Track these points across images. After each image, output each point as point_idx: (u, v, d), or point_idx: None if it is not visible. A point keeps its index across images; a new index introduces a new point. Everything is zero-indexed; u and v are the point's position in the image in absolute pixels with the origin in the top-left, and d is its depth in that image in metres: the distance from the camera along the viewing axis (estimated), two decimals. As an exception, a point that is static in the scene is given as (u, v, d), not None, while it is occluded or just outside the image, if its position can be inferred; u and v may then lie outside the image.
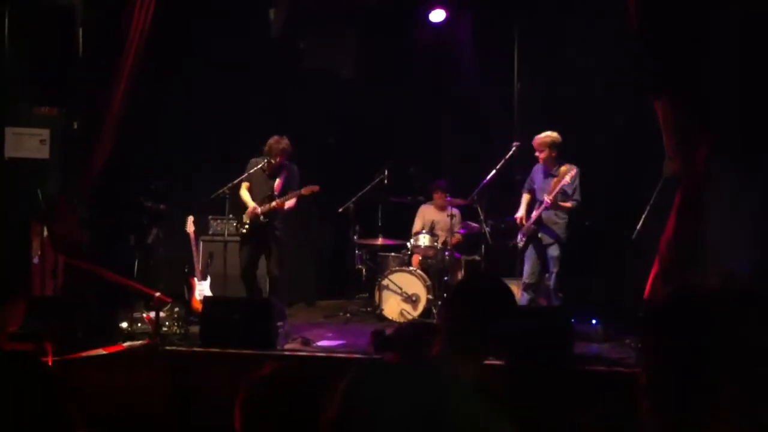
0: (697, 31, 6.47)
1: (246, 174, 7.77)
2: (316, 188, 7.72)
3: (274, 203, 7.64)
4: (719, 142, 6.54)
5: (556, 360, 5.73)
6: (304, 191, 7.65)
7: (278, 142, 7.67)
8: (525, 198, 7.95)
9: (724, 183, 7.00)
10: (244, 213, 7.83)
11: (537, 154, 7.66)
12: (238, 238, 8.15)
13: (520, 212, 7.87)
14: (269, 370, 2.47)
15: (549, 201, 7.42)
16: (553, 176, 7.56)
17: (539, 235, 7.64)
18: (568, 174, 7.37)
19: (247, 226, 7.77)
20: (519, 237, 7.84)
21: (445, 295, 8.03)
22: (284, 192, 7.75)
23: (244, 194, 7.84)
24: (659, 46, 6.51)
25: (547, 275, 7.69)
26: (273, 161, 7.67)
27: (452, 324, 2.40)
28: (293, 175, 7.85)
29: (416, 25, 9.95)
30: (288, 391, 2.38)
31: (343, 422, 2.24)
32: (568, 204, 7.49)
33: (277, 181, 7.79)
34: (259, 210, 7.68)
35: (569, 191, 7.46)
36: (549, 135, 7.57)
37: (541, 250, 7.65)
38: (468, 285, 2.83)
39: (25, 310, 6.24)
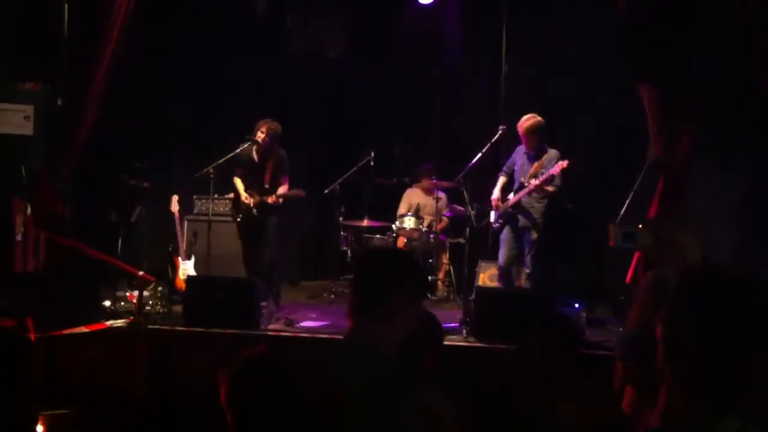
0: (684, 18, 6.48)
1: (233, 155, 7.70)
2: (301, 193, 7.81)
3: (268, 199, 7.63)
4: (703, 132, 6.57)
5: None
6: (291, 194, 7.69)
7: (264, 123, 7.64)
8: (501, 180, 7.83)
9: (707, 171, 7.04)
10: (238, 202, 7.84)
11: (525, 141, 7.49)
12: (222, 218, 8.18)
13: (495, 194, 7.78)
14: (255, 354, 2.47)
15: (535, 185, 7.32)
16: (536, 159, 7.48)
17: (517, 218, 7.57)
18: (559, 165, 7.22)
19: (241, 216, 7.79)
20: (494, 219, 7.81)
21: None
22: (274, 180, 7.74)
23: (238, 184, 7.84)
24: (646, 31, 6.51)
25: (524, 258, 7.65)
26: (259, 141, 7.61)
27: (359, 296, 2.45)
28: (282, 162, 7.80)
29: (405, 7, 9.91)
30: (274, 374, 2.38)
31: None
32: (551, 188, 7.37)
33: (267, 170, 7.75)
34: (251, 203, 7.67)
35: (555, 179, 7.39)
36: (535, 120, 7.39)
37: (519, 234, 7.58)
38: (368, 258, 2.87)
39: (4, 286, 6.21)
